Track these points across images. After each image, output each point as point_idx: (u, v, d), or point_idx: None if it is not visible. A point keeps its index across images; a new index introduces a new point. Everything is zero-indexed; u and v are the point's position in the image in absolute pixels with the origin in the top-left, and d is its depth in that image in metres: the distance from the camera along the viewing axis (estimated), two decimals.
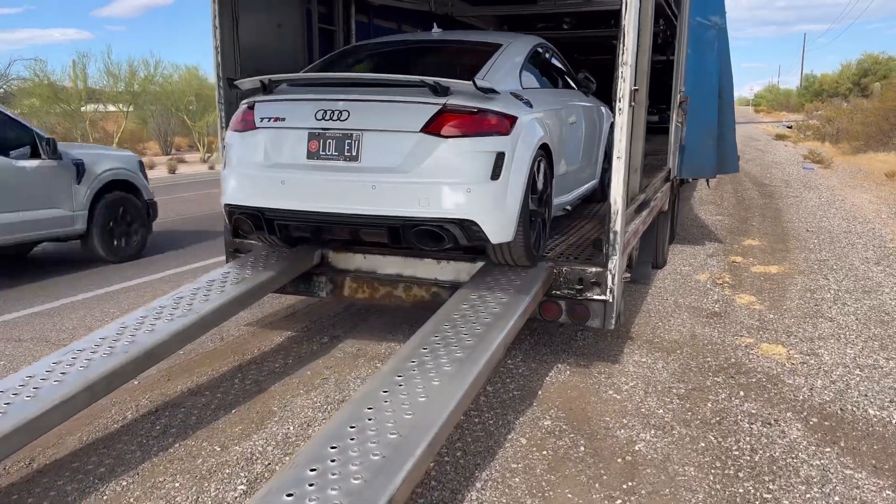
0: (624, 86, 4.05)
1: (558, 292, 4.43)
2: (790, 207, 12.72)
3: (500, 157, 3.90)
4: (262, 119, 4.23)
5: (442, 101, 3.89)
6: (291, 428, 3.88)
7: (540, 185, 4.38)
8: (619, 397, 4.32)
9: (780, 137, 34.59)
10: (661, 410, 4.14)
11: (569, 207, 5.55)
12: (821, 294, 6.85)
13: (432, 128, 3.87)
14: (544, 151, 4.39)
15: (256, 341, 5.35)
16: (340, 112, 3.99)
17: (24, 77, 28.35)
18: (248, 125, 4.29)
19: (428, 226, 3.95)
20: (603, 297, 4.34)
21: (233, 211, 4.41)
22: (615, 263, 4.28)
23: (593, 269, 4.35)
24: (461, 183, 3.87)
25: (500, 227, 3.98)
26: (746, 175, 18.36)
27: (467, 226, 3.93)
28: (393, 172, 3.94)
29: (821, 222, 11.12)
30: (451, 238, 3.99)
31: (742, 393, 4.42)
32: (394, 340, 5.33)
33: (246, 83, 4.33)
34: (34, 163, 7.28)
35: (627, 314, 6.06)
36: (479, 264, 4.55)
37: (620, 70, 4.06)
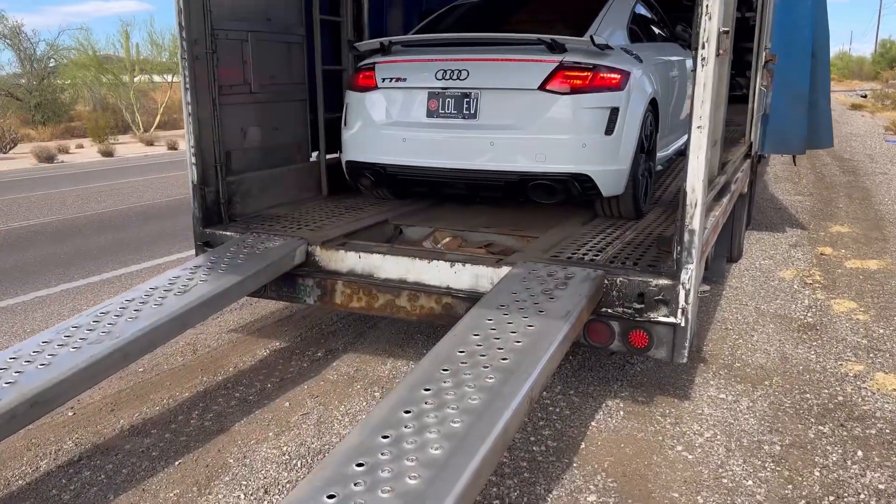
0: (710, 25, 2.88)
1: (610, 310, 3.31)
2: (879, 186, 11.13)
3: (615, 112, 3.94)
4: (383, 79, 4.35)
5: (558, 58, 3.96)
6: (242, 497, 2.89)
7: (647, 142, 4.33)
8: (691, 458, 3.19)
9: (855, 107, 32.04)
10: (749, 482, 3.00)
11: (660, 167, 5.20)
12: None
13: (549, 85, 3.94)
14: (652, 106, 4.35)
15: (235, 355, 4.39)
16: (460, 71, 4.08)
17: (70, 47, 28.17)
18: (369, 84, 4.41)
19: (544, 180, 4.08)
20: (672, 320, 3.20)
21: (354, 167, 4.60)
22: (690, 274, 3.12)
23: (660, 282, 3.21)
24: (576, 138, 3.92)
25: (612, 181, 4.05)
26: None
27: (582, 180, 4.02)
28: (510, 129, 4.03)
29: None
30: (565, 192, 4.14)
31: (860, 453, 3.25)
32: (402, 357, 4.31)
33: (364, 45, 4.57)
34: None
35: (699, 327, 4.89)
36: (505, 270, 3.45)
37: (705, 3, 2.87)
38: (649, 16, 5.24)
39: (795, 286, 5.91)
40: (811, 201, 9.93)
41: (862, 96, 37.33)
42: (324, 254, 3.87)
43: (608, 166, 4.01)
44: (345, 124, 4.58)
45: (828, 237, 7.74)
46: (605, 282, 3.29)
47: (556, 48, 3.96)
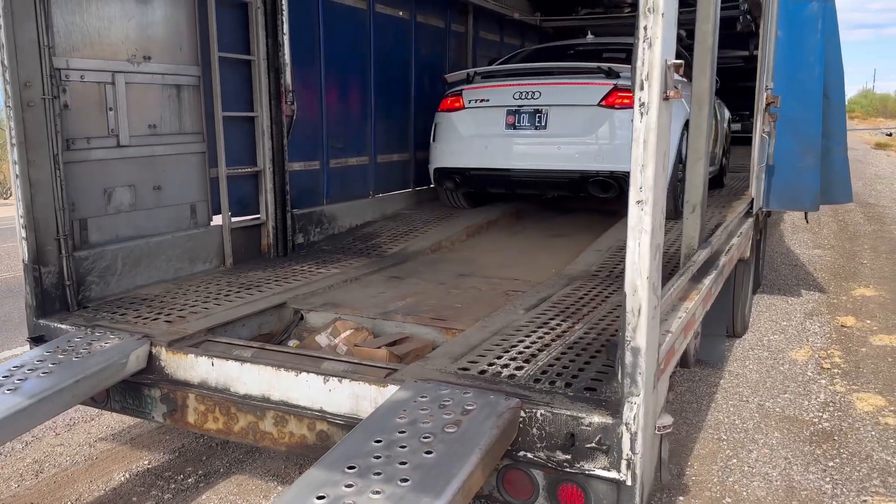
0: (650, 56, 1.97)
1: (532, 455, 2.34)
2: None
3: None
4: (469, 101, 5.37)
5: (613, 81, 4.90)
6: None
7: (683, 155, 4.70)
8: None
9: (880, 146, 30.90)
10: None
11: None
12: None
13: (606, 102, 4.85)
14: (688, 128, 4.80)
15: (85, 481, 3.46)
16: (533, 93, 5.05)
17: None
18: (457, 106, 5.42)
19: (602, 177, 4.92)
20: (613, 475, 2.22)
21: (442, 172, 5.59)
22: (637, 410, 2.16)
23: (595, 419, 2.24)
24: (628, 144, 4.28)
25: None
26: None
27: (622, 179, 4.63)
28: (574, 137, 4.97)
29: None
30: (618, 188, 4.86)
31: None
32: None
33: (455, 76, 5.69)
34: None
35: (685, 432, 3.89)
36: (392, 389, 2.51)
37: (642, 24, 1.98)
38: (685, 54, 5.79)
39: (809, 372, 4.87)
40: (832, 256, 8.88)
41: (887, 135, 36.16)
42: (170, 358, 2.96)
43: None
44: (434, 139, 5.62)
45: (850, 302, 6.68)
46: (523, 414, 2.33)
47: (611, 74, 4.97)
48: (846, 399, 4.41)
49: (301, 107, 4.81)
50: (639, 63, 2.01)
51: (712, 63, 3.34)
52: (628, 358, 2.15)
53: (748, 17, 7.57)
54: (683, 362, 3.49)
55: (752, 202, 5.23)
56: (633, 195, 2.07)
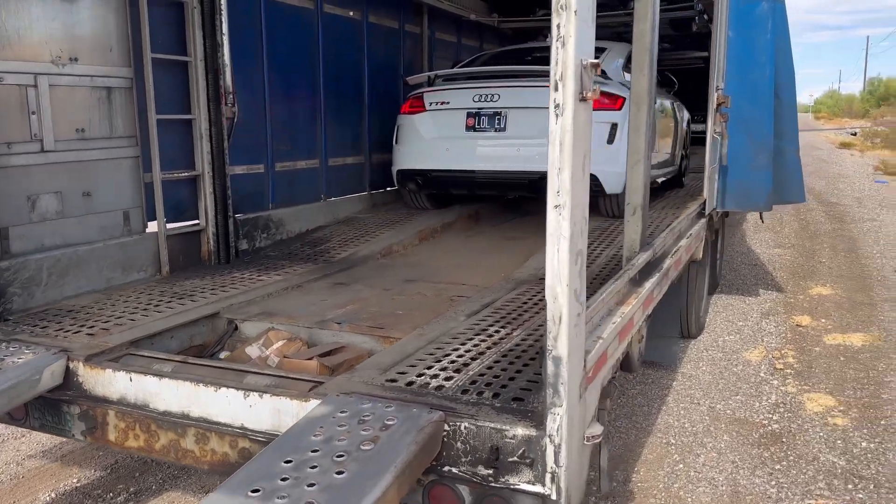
0: (564, 55, 1.91)
1: (456, 470, 2.25)
2: (867, 235, 10.17)
3: (614, 126, 4.91)
4: (430, 104, 5.42)
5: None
6: None
7: None
8: None
9: (844, 146, 31.40)
10: None
11: (658, 182, 6.16)
12: None
13: None
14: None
15: (8, 501, 3.31)
16: (492, 95, 5.10)
17: None
18: (418, 109, 5.46)
19: None
20: (538, 490, 2.14)
21: (404, 174, 5.64)
22: (560, 422, 2.08)
23: (518, 431, 2.16)
24: None
25: (613, 180, 4.89)
26: (810, 191, 15.61)
27: (589, 178, 4.19)
28: (532, 138, 5.01)
29: None
30: None
31: None
32: None
33: (416, 78, 5.82)
34: None
35: (634, 437, 3.83)
36: (314, 403, 2.41)
37: (555, 22, 1.90)
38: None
39: (762, 373, 4.86)
40: (792, 254, 8.94)
41: (852, 134, 36.77)
42: (88, 373, 2.82)
43: (610, 168, 4.87)
44: (396, 141, 5.66)
45: (807, 301, 6.71)
46: (447, 428, 2.25)
47: None
48: (797, 400, 4.40)
49: (243, 109, 4.69)
50: (552, 63, 1.93)
51: (651, 62, 3.29)
52: (550, 367, 2.07)
53: (704, 17, 7.59)
54: (627, 367, 3.43)
55: (704, 203, 5.20)
56: (550, 199, 1.99)
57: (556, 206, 1.98)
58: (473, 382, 2.50)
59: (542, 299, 3.60)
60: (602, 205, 5.31)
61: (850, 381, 4.68)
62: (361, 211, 6.07)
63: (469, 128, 5.24)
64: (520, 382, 2.50)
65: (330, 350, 3.18)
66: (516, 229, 6.20)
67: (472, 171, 5.30)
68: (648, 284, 3.36)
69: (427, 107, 5.48)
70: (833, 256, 8.77)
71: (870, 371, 4.86)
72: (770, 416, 4.16)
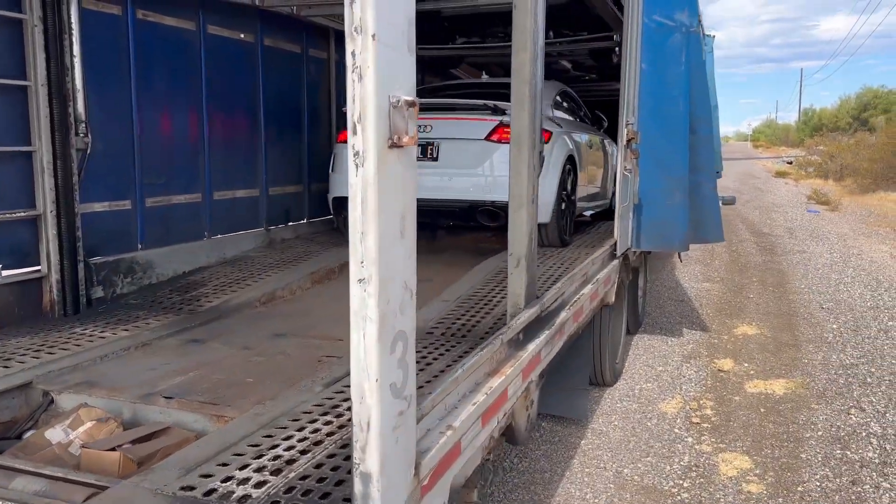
0: (362, 90, 1.50)
1: None
2: (796, 268, 10.10)
3: (541, 159, 4.67)
4: None
5: (499, 118, 5.18)
6: None
7: (568, 187, 5.52)
8: None
9: (780, 174, 32.26)
10: None
11: (586, 214, 6.70)
12: (859, 450, 4.18)
13: (492, 137, 5.17)
14: (570, 161, 5.56)
15: None
16: (425, 126, 5.30)
17: None
18: None
19: (489, 207, 5.17)
20: None
21: (340, 201, 5.72)
22: None
23: None
24: None
25: (541, 210, 4.48)
26: (744, 221, 15.81)
27: None
28: (463, 168, 5.27)
29: (837, 291, 8.48)
30: (505, 217, 4.59)
31: None
32: None
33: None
34: None
35: None
36: None
37: (349, 49, 1.49)
38: (568, 104, 6.75)
39: (677, 429, 4.51)
40: (720, 289, 8.75)
41: (788, 163, 37.82)
42: None
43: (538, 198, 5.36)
44: (332, 170, 5.74)
45: (731, 342, 6.45)
46: None
47: (497, 111, 5.17)
48: (711, 462, 4.04)
49: (103, 138, 4.16)
50: (349, 100, 1.51)
51: (533, 97, 2.92)
52: (357, 487, 1.62)
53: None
54: (511, 439, 3.02)
55: (615, 244, 4.87)
56: (353, 271, 1.56)
57: (360, 280, 1.55)
58: (290, 490, 2.02)
59: (423, 358, 3.17)
60: None
61: (768, 438, 4.36)
62: (254, 249, 5.54)
63: None
64: (350, 487, 2.04)
65: (150, 433, 2.66)
66: (429, 268, 5.77)
67: None
68: (533, 345, 2.96)
69: None
70: (761, 291, 8.61)
71: (790, 425, 4.55)
72: (681, 482, 3.79)
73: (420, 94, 6.22)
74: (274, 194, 5.84)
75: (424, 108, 5.74)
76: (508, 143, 5.43)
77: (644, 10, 5.10)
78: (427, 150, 5.33)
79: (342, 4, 1.49)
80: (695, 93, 5.32)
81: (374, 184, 1.51)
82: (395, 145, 1.56)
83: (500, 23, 7.33)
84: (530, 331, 3.04)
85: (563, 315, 3.43)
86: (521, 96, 2.86)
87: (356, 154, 1.51)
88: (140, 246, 4.57)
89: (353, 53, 1.48)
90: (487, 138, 5.15)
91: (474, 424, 2.28)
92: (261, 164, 5.71)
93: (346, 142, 5.60)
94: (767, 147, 73.60)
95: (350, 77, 1.49)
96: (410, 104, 1.59)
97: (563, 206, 5.41)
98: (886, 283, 8.99)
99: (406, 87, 1.60)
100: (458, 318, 3.79)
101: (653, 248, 5.54)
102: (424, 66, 8.03)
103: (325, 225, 6.46)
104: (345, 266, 5.32)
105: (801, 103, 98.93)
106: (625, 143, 4.75)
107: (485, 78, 7.58)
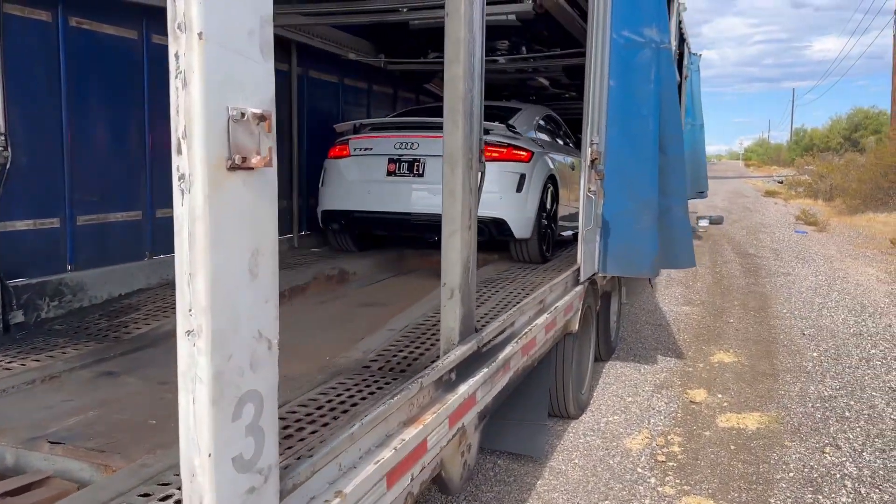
0: (185, 100, 1.22)
1: None
2: (780, 291, 9.86)
3: (523, 177, 5.44)
4: (355, 149, 5.86)
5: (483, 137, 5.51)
6: None
7: (549, 205, 5.80)
8: None
9: (770, 194, 32.18)
10: None
11: (564, 235, 6.67)
12: (832, 493, 3.90)
13: None
14: (552, 180, 5.85)
15: None
16: (412, 143, 5.58)
17: None
18: (344, 153, 5.88)
19: None
20: None
21: (328, 214, 5.96)
22: None
23: None
24: (496, 192, 5.24)
25: (521, 225, 5.41)
26: (730, 241, 15.60)
27: (499, 223, 5.33)
28: None
29: (820, 317, 8.24)
30: (489, 232, 5.29)
31: None
32: None
33: (343, 126, 6.17)
34: None
35: None
36: None
37: (172, 51, 1.25)
38: (552, 127, 6.93)
39: (641, 468, 4.22)
40: (700, 313, 8.49)
41: (778, 182, 37.78)
42: None
43: (518, 214, 5.34)
44: (322, 184, 5.91)
45: (706, 371, 6.18)
46: None
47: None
48: None
49: (26, 152, 3.89)
50: (172, 111, 1.24)
51: (467, 114, 2.67)
52: None
53: None
54: (444, 489, 2.74)
55: (578, 270, 4.60)
56: (179, 322, 1.28)
57: (187, 333, 1.27)
58: None
59: (346, 399, 2.88)
60: (513, 249, 5.64)
61: (736, 479, 4.08)
62: None
63: (390, 172, 5.55)
64: None
65: (27, 484, 2.36)
66: (386, 290, 5.52)
67: (392, 213, 5.58)
68: (466, 386, 2.68)
69: (352, 152, 5.83)
70: (742, 316, 8.36)
71: (760, 464, 4.28)
72: None
73: (409, 113, 6.17)
74: None
75: (412, 127, 5.86)
76: (491, 160, 4.99)
77: (612, 25, 4.88)
78: (414, 167, 5.53)
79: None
80: (665, 112, 5.09)
81: (205, 214, 1.24)
82: (237, 167, 1.29)
83: None
84: (466, 369, 2.76)
85: (508, 349, 3.16)
86: (454, 112, 2.60)
87: (181, 178, 1.24)
88: (70, 267, 4.28)
89: (175, 55, 1.21)
90: None
91: (376, 486, 2.00)
92: None
93: (336, 157, 5.96)
94: (759, 166, 73.82)
95: (173, 84, 1.22)
96: (260, 118, 1.32)
97: (545, 223, 5.66)
98: (871, 308, 8.75)
99: (257, 98, 1.34)
100: (401, 350, 3.51)
101: (620, 274, 5.28)
102: (397, 81, 7.81)
103: (284, 244, 6.19)
104: (295, 291, 5.06)
105: (792, 123, 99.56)
106: (588, 163, 4.50)
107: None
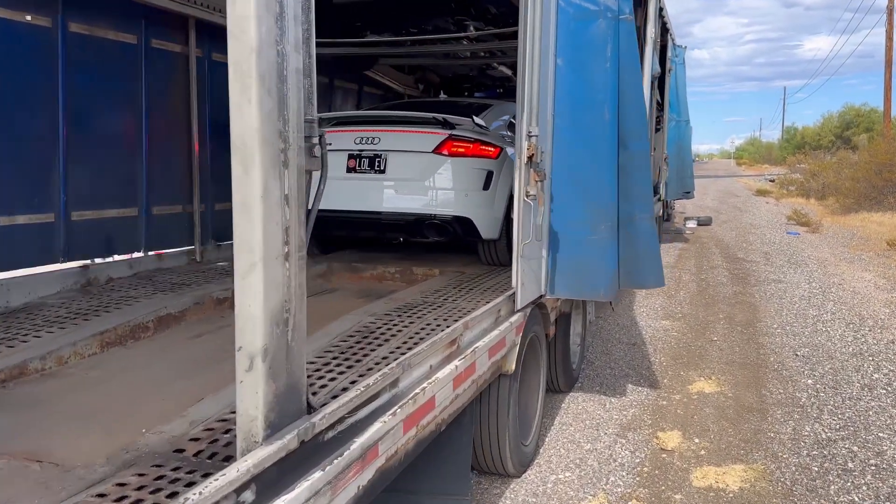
0: None
1: None
2: (770, 301, 8.94)
3: (490, 174, 5.06)
4: None
5: (448, 131, 5.13)
6: None
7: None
8: None
9: (761, 193, 31.38)
10: None
11: None
12: None
13: (441, 150, 5.06)
14: None
15: None
16: (372, 138, 5.21)
17: None
18: None
19: (436, 221, 5.04)
20: None
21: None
22: None
23: None
24: (461, 190, 5.00)
25: (488, 225, 5.06)
26: (718, 244, 14.70)
27: (464, 222, 5.00)
28: (410, 181, 5.12)
29: (815, 333, 7.32)
30: (453, 232, 5.09)
31: None
32: None
33: None
34: None
35: None
36: None
37: None
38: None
39: None
40: (681, 329, 7.56)
41: (770, 180, 37.02)
42: None
43: (485, 213, 5.05)
44: None
45: (682, 405, 5.24)
46: None
47: (446, 124, 5.15)
48: None
49: None
50: None
51: (269, 77, 1.69)
52: None
53: None
54: None
55: (513, 296, 3.64)
56: None
57: None
58: None
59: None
60: (481, 250, 5.31)
61: None
62: (57, 294, 4.26)
63: (350, 169, 5.21)
64: None
65: None
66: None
67: (352, 212, 5.21)
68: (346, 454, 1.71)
69: None
70: (728, 332, 7.43)
71: None
72: None
73: (374, 108, 5.40)
74: (94, 219, 4.56)
75: (373, 121, 5.48)
76: (457, 156, 5.00)
77: None
78: (374, 162, 5.19)
79: None
80: (626, 98, 4.13)
81: None
82: None
83: (414, 15, 6.19)
84: (280, 478, 1.80)
85: (374, 429, 2.19)
86: (244, 76, 1.64)
87: None
88: None
89: None
90: (435, 151, 5.03)
91: None
92: (57, 182, 4.38)
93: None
94: (750, 165, 73.13)
95: None
96: None
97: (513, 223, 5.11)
98: (871, 321, 7.85)
99: None
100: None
101: (571, 296, 4.32)
102: (331, 67, 6.82)
103: (175, 259, 5.20)
104: (165, 320, 4.07)
105: (783, 121, 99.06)
106: (524, 160, 3.55)
107: (443, 97, 7.66)
